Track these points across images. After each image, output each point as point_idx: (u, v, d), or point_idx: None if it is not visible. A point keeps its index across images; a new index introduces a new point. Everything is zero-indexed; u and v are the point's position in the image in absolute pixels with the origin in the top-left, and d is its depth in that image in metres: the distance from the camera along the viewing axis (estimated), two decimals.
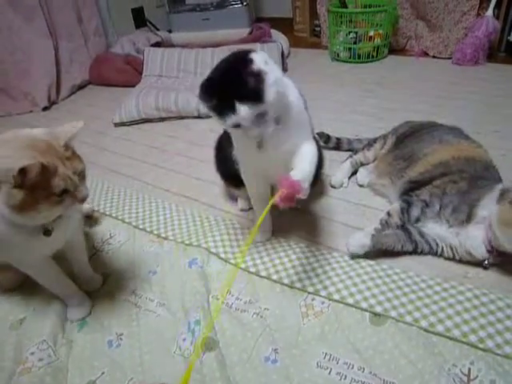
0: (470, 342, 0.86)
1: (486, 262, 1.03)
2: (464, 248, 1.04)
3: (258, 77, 0.81)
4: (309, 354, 0.88)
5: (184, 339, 0.93)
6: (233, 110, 0.83)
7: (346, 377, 0.83)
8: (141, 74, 2.53)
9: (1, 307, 1.07)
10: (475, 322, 0.90)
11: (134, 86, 2.42)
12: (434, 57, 2.71)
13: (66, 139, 0.80)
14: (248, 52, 0.85)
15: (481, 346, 0.85)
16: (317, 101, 2.11)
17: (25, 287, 1.07)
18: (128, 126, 2.09)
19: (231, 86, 0.83)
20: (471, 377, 0.80)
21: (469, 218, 1.03)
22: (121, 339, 0.96)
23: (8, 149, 0.75)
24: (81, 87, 2.78)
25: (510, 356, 0.83)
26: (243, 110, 0.83)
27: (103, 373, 0.89)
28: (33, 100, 2.48)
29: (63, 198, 0.78)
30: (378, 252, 1.11)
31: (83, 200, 0.82)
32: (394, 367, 0.83)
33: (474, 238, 1.02)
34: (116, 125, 2.09)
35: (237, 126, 0.86)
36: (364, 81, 2.42)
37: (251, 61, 0.82)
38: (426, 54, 2.77)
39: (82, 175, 0.83)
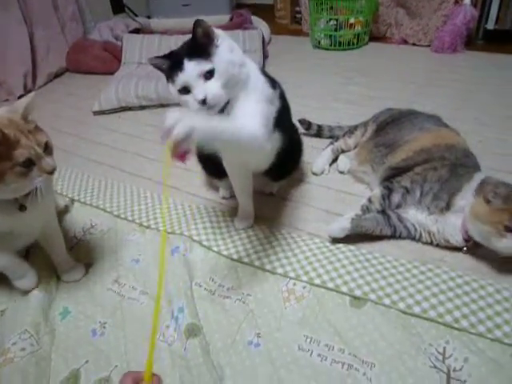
0: (445, 322, 0.89)
1: (465, 249, 1.07)
2: (442, 235, 1.08)
3: (206, 29, 0.85)
4: (291, 338, 0.89)
5: (168, 326, 0.94)
6: (181, 68, 0.84)
7: (326, 358, 0.85)
8: (120, 61, 2.48)
9: None
10: (450, 302, 0.93)
11: (112, 73, 2.38)
12: (413, 44, 2.74)
13: (22, 109, 0.82)
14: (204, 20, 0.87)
15: (456, 325, 0.88)
16: (298, 88, 2.12)
17: (4, 280, 1.05)
18: (108, 114, 2.06)
19: (182, 46, 0.89)
20: (446, 355, 0.84)
21: (448, 206, 1.06)
22: (104, 328, 0.96)
23: None
24: (58, 75, 2.71)
25: (483, 335, 0.86)
26: (189, 65, 0.83)
27: (87, 361, 0.89)
28: (8, 89, 2.41)
29: (30, 169, 0.81)
30: (357, 237, 1.13)
31: (50, 172, 0.85)
32: (373, 348, 0.86)
33: (452, 226, 1.05)
34: (95, 113, 2.06)
35: (186, 90, 0.86)
36: (345, 68, 2.43)
37: (204, 22, 0.85)
38: (405, 42, 2.79)
39: (48, 148, 0.86)
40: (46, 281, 1.07)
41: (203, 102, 0.84)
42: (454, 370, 0.81)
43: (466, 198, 1.03)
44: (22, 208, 0.88)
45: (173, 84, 0.87)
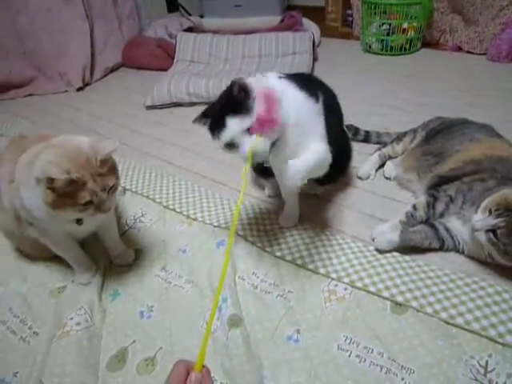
0: (489, 335, 0.88)
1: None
2: (474, 243, 1.06)
3: (243, 88, 0.86)
4: (330, 337, 0.91)
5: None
6: (224, 126, 0.87)
7: (365, 360, 0.86)
8: (173, 58, 2.57)
9: (40, 274, 1.15)
10: (495, 317, 0.92)
11: (165, 70, 2.47)
12: (468, 52, 2.66)
13: (102, 156, 0.88)
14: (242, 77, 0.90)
15: (500, 340, 0.87)
16: (347, 92, 2.09)
17: (62, 260, 1.13)
18: (159, 109, 2.14)
19: (222, 103, 0.90)
20: (488, 369, 0.83)
21: (477, 210, 1.04)
22: (151, 311, 1.02)
23: (53, 154, 0.85)
24: (113, 69, 2.85)
25: (494, 340, 0.85)
26: (232, 123, 0.86)
27: (134, 341, 0.95)
28: (68, 80, 2.56)
29: (87, 207, 0.88)
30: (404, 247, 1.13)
31: (105, 212, 0.92)
32: (413, 354, 0.86)
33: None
34: (148, 108, 2.15)
35: (231, 145, 0.89)
36: (395, 74, 2.41)
37: (241, 78, 0.87)
38: (459, 49, 2.71)
39: (112, 189, 0.92)
40: (99, 264, 1.14)
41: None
42: None
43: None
44: (79, 222, 0.95)
45: (218, 140, 0.90)
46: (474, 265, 1.09)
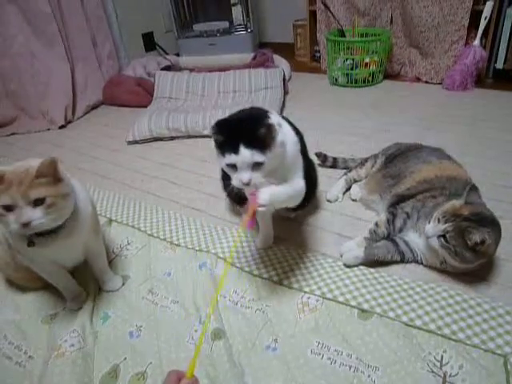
0: (443, 334, 1.00)
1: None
2: (431, 254, 1.19)
3: (270, 130, 0.90)
4: (304, 343, 1.01)
5: (196, 330, 1.07)
6: (236, 150, 0.90)
7: (335, 361, 0.96)
8: (151, 95, 2.71)
9: (32, 303, 1.21)
10: (449, 317, 1.04)
11: (145, 106, 2.60)
12: (426, 82, 2.90)
13: (38, 167, 0.88)
14: (266, 110, 0.98)
15: (453, 337, 0.99)
16: (316, 122, 2.29)
17: (53, 288, 1.20)
18: (140, 144, 2.25)
19: (242, 129, 0.92)
20: (443, 362, 0.94)
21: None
22: (140, 330, 1.10)
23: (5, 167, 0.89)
24: (95, 107, 2.96)
25: (477, 346, 0.97)
26: (245, 153, 0.89)
27: (125, 358, 1.03)
28: (50, 119, 2.66)
29: (5, 215, 0.87)
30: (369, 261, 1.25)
31: (24, 224, 0.87)
32: (377, 354, 0.97)
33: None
34: (129, 143, 2.26)
35: (232, 166, 0.93)
36: (360, 104, 2.60)
37: (267, 115, 0.94)
38: (418, 80, 2.95)
39: (40, 203, 0.89)
40: (89, 290, 1.22)
41: (246, 184, 0.93)
42: (450, 376, 0.91)
43: None
44: (30, 244, 0.96)
45: (223, 157, 0.93)
46: (431, 273, 1.21)
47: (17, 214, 0.87)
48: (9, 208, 0.87)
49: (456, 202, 1.14)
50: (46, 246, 0.98)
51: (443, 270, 1.20)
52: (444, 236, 1.10)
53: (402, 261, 1.25)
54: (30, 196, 0.87)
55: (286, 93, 2.73)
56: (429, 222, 1.16)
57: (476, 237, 1.04)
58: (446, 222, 1.10)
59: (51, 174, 0.91)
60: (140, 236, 1.46)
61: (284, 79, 2.69)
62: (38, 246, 0.97)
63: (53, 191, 0.91)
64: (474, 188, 1.24)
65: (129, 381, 0.97)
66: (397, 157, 1.51)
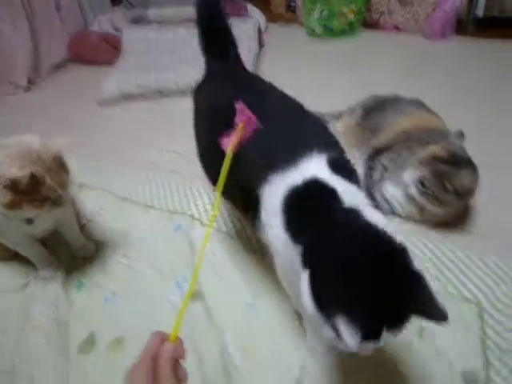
0: None
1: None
2: (404, 203, 1.18)
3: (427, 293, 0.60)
4: (281, 298, 1.01)
5: (174, 294, 1.05)
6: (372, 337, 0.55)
7: None
8: (120, 51, 2.56)
9: (1, 275, 1.17)
10: (424, 267, 1.04)
11: (113, 64, 2.46)
12: (405, 31, 2.81)
13: (54, 153, 0.91)
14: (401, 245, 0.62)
15: None
16: (293, 76, 2.21)
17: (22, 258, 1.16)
18: (110, 104, 2.14)
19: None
20: None
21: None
22: (116, 296, 1.08)
23: (4, 155, 0.87)
24: (60, 66, 2.79)
25: (452, 294, 0.99)
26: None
27: (102, 324, 1.01)
28: (15, 83, 2.50)
29: (44, 204, 0.90)
30: None
31: (60, 206, 0.95)
32: None
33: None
34: (99, 103, 2.15)
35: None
36: (338, 56, 2.51)
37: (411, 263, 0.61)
38: (398, 29, 2.86)
39: (65, 184, 0.95)
40: (61, 258, 1.18)
41: None
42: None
43: None
44: (29, 222, 0.97)
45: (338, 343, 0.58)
46: (408, 224, 1.21)
47: (55, 200, 0.92)
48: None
49: (433, 147, 1.12)
50: (42, 221, 1.00)
51: (420, 221, 1.20)
52: (422, 182, 1.08)
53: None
54: (62, 182, 0.93)
55: (261, 46, 2.61)
56: (406, 170, 1.15)
57: (455, 179, 1.03)
58: (422, 167, 1.08)
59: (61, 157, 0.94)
60: (113, 200, 1.41)
61: (259, 31, 2.57)
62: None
63: (67, 171, 0.96)
64: (461, 135, 1.23)
65: (106, 347, 0.96)
66: (374, 109, 1.47)
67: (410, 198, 1.15)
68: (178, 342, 0.60)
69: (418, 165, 1.09)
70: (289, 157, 0.72)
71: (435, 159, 1.08)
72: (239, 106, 0.73)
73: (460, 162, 1.08)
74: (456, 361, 0.86)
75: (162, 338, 0.60)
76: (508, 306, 0.94)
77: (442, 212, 1.13)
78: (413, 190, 1.12)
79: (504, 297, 0.97)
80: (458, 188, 1.06)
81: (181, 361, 0.60)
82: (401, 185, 1.18)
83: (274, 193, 0.70)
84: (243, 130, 0.72)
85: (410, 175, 1.11)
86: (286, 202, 0.68)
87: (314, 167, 0.70)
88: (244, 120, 0.72)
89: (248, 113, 0.73)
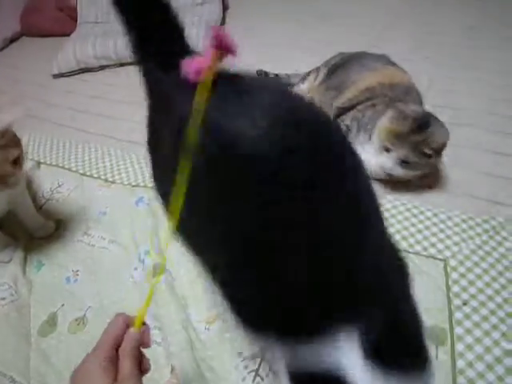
0: None
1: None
2: (369, 165, 1.15)
3: None
4: None
5: (135, 268, 1.02)
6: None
7: None
8: (76, 21, 2.42)
9: None
10: (392, 227, 1.03)
11: (69, 34, 2.32)
12: None
13: (3, 128, 0.85)
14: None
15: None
16: (258, 37, 2.13)
17: None
18: (67, 76, 2.04)
19: None
20: None
21: (371, 134, 1.13)
22: (77, 275, 1.04)
23: None
24: (13, 40, 2.64)
25: (418, 253, 0.98)
26: None
27: (63, 305, 0.97)
28: None
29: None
30: None
31: (12, 186, 0.91)
32: None
33: (372, 154, 1.13)
34: (55, 76, 2.04)
35: None
36: (306, 15, 2.42)
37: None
38: None
39: (17, 161, 0.89)
40: (19, 239, 1.13)
41: None
42: None
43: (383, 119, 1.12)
44: None
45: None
46: (375, 185, 1.18)
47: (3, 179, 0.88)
48: None
49: (387, 122, 1.08)
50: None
51: (388, 181, 1.18)
52: (405, 161, 1.06)
53: None
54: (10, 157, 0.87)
55: (225, 8, 2.50)
56: (370, 138, 1.12)
57: (431, 141, 1.02)
58: (399, 147, 1.04)
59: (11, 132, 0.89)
60: (72, 176, 1.35)
61: None
62: None
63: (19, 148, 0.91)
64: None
65: (68, 327, 0.93)
66: (339, 67, 1.42)
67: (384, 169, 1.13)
68: (144, 329, 0.53)
69: (391, 145, 1.05)
70: None
71: (404, 134, 1.04)
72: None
73: (427, 121, 1.04)
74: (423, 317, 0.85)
75: (125, 321, 0.52)
76: (474, 262, 0.94)
77: (418, 174, 1.10)
78: (397, 171, 1.08)
79: (471, 253, 0.96)
80: (437, 148, 1.04)
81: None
82: (366, 146, 1.15)
83: None
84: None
85: (387, 162, 1.07)
86: None
87: None
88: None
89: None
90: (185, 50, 0.55)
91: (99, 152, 1.44)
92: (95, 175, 1.33)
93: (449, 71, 1.66)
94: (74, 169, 1.37)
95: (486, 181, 1.15)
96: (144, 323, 0.53)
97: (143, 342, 0.52)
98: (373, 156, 1.13)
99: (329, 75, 1.43)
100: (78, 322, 0.93)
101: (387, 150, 1.07)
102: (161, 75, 0.53)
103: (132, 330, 0.51)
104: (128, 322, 0.52)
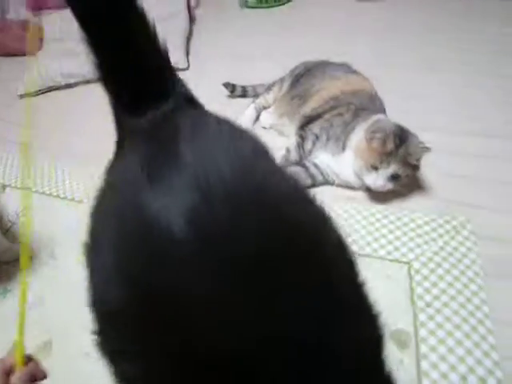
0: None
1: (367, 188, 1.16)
2: (343, 176, 1.17)
3: None
4: None
5: None
6: None
7: None
8: (41, 39, 2.39)
9: None
10: (357, 233, 1.05)
11: (35, 54, 2.30)
12: None
13: None
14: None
15: (360, 252, 1.00)
16: (225, 49, 2.15)
17: None
18: (34, 96, 2.02)
19: None
20: None
21: (344, 146, 1.15)
22: (43, 299, 1.02)
23: None
24: None
25: (382, 257, 0.99)
26: None
27: (28, 330, 0.95)
28: None
29: None
30: None
31: None
32: None
33: (347, 164, 1.15)
34: (21, 96, 2.01)
35: None
36: (272, 27, 2.45)
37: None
38: None
39: None
40: None
41: None
42: None
43: (358, 136, 1.12)
44: None
45: None
46: (343, 191, 1.21)
47: None
48: None
49: (366, 142, 1.09)
50: None
51: (352, 187, 1.19)
52: (396, 175, 1.07)
53: (314, 185, 1.23)
54: None
55: (192, 20, 2.50)
56: (343, 148, 1.15)
57: (413, 152, 1.05)
58: (388, 164, 1.06)
59: None
60: (38, 198, 1.33)
61: (189, 5, 2.46)
62: None
63: None
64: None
65: (34, 353, 0.90)
66: (303, 76, 1.44)
67: (347, 174, 1.15)
68: (32, 363, 0.47)
69: (381, 164, 1.06)
70: None
71: (390, 151, 1.05)
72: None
73: (402, 133, 1.07)
74: (388, 320, 0.87)
75: (3, 368, 0.45)
76: (436, 263, 0.96)
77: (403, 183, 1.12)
78: (389, 186, 1.09)
79: (434, 255, 0.98)
80: (419, 158, 1.07)
81: None
82: (337, 157, 1.17)
83: None
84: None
85: (377, 180, 1.08)
86: None
87: None
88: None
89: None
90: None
91: (66, 172, 1.42)
92: (62, 195, 1.32)
93: (411, 74, 1.70)
94: (40, 190, 1.35)
95: (447, 182, 1.17)
96: (30, 357, 0.47)
97: (35, 377, 0.46)
98: (347, 165, 1.15)
99: (293, 84, 1.45)
100: (43, 346, 0.92)
101: (375, 168, 1.08)
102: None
103: (16, 374, 0.44)
104: (7, 369, 0.45)
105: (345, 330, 0.38)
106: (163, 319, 0.35)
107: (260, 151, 0.49)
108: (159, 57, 0.52)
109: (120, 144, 0.54)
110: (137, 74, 0.50)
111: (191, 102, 0.59)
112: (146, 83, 0.51)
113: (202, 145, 0.43)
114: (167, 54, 0.54)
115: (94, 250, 0.45)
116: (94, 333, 0.40)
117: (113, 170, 0.51)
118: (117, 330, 0.39)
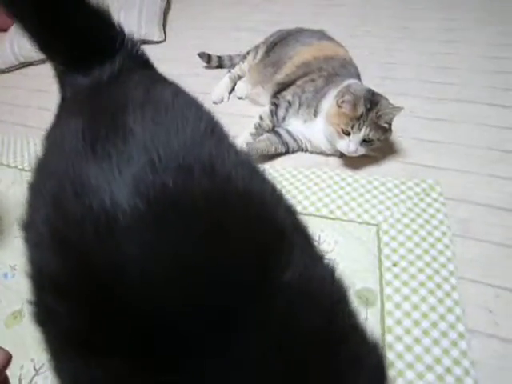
0: (322, 215, 1.01)
1: (339, 154, 1.16)
2: (316, 142, 1.17)
3: None
4: None
5: None
6: None
7: None
8: None
9: None
10: (328, 198, 1.05)
11: (6, 30, 2.23)
12: None
13: None
14: None
15: (331, 216, 1.00)
16: (202, 21, 2.11)
17: None
18: (8, 72, 1.97)
19: None
20: (320, 241, 0.96)
21: (316, 112, 1.15)
22: (15, 270, 1.02)
23: None
24: None
25: (352, 220, 0.99)
26: None
27: (0, 301, 0.96)
28: None
29: None
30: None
31: None
32: None
33: (318, 131, 1.14)
34: None
35: None
36: None
37: None
38: None
39: None
40: None
41: None
42: (326, 252, 0.93)
43: (329, 102, 1.12)
44: None
45: None
46: (315, 158, 1.20)
47: None
48: None
49: (337, 108, 1.08)
50: None
51: (327, 154, 1.19)
52: (368, 140, 1.06)
53: (287, 152, 1.22)
54: None
55: None
56: (315, 115, 1.14)
57: (384, 114, 1.03)
58: (359, 128, 1.04)
59: None
60: (10, 172, 1.32)
61: None
62: None
63: None
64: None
65: (5, 321, 0.92)
66: (277, 44, 1.42)
67: (319, 139, 1.15)
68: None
69: (353, 128, 1.04)
70: None
71: (360, 115, 1.04)
72: None
73: (372, 96, 1.06)
74: (355, 280, 0.88)
75: None
76: (404, 225, 0.97)
77: (376, 147, 1.11)
78: (361, 151, 1.07)
79: (402, 216, 0.99)
80: (389, 120, 1.06)
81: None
82: (309, 123, 1.16)
83: None
84: None
85: (350, 144, 1.06)
86: None
87: None
88: None
89: None
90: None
91: (39, 146, 1.40)
92: None
93: (388, 44, 1.68)
94: (12, 164, 1.34)
95: (418, 146, 1.18)
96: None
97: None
98: (319, 132, 1.15)
99: (267, 52, 1.43)
100: (15, 315, 0.92)
101: (347, 133, 1.07)
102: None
103: None
104: None
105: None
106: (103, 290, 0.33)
107: (212, 125, 0.49)
108: (95, 15, 0.50)
109: (62, 105, 0.52)
110: (69, 34, 0.49)
111: (145, 65, 0.59)
112: (81, 41, 0.50)
113: (153, 116, 0.42)
114: (107, 12, 0.53)
115: (30, 226, 0.42)
116: (30, 303, 0.39)
117: (53, 133, 0.50)
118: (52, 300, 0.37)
